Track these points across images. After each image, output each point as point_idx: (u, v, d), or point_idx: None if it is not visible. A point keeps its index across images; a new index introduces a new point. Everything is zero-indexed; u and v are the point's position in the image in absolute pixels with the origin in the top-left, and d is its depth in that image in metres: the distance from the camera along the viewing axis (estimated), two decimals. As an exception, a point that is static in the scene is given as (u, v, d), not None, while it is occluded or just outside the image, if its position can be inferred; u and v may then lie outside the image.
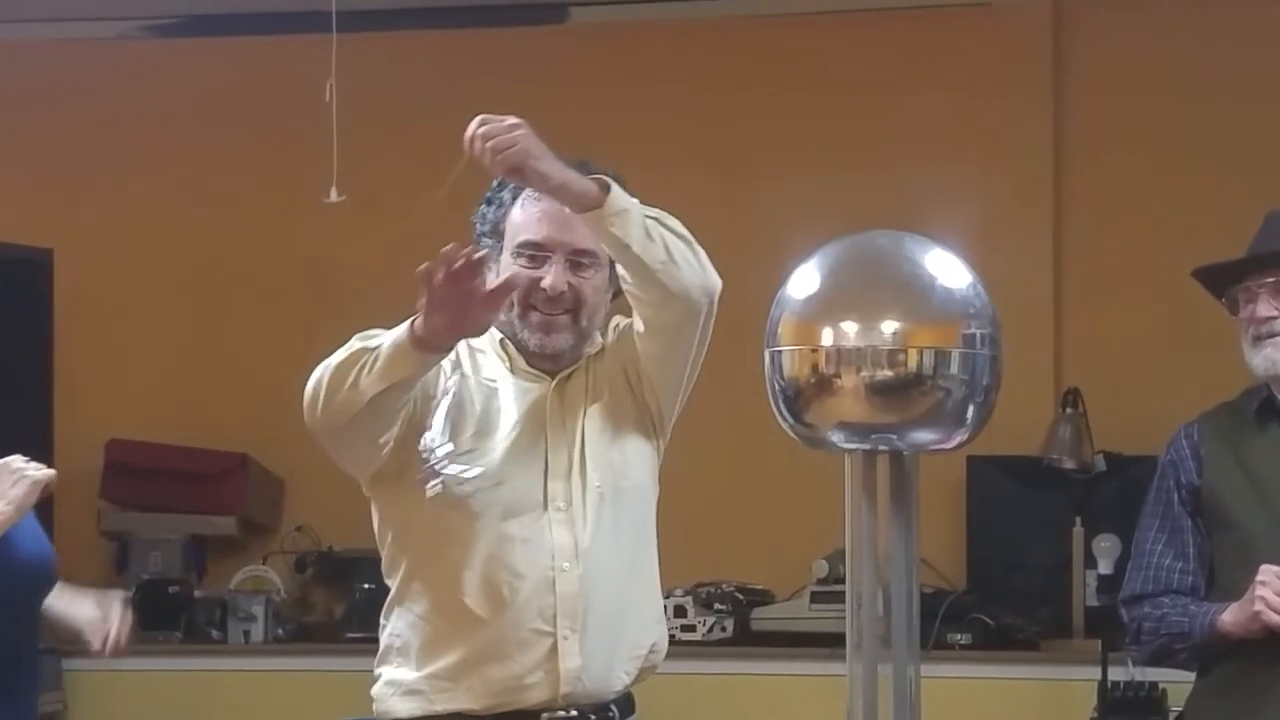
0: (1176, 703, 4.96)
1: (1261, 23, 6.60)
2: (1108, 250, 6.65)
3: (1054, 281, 6.66)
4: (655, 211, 3.36)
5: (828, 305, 2.72)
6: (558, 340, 3.43)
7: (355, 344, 3.28)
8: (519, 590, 3.34)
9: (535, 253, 3.43)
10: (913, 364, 2.67)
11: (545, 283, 3.40)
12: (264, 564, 6.86)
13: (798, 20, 6.87)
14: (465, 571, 3.32)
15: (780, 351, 2.74)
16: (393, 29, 6.89)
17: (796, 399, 2.74)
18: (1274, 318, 4.02)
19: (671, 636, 5.94)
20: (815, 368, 2.70)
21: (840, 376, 2.68)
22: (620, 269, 3.35)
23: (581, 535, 3.40)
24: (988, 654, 6.19)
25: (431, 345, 3.18)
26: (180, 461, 6.88)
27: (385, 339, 3.22)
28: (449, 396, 3.38)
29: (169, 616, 6.64)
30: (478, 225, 3.54)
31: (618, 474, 3.48)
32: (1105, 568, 5.90)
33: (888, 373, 2.66)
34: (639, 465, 3.55)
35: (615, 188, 3.34)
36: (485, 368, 3.44)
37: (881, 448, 2.73)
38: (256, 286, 7.01)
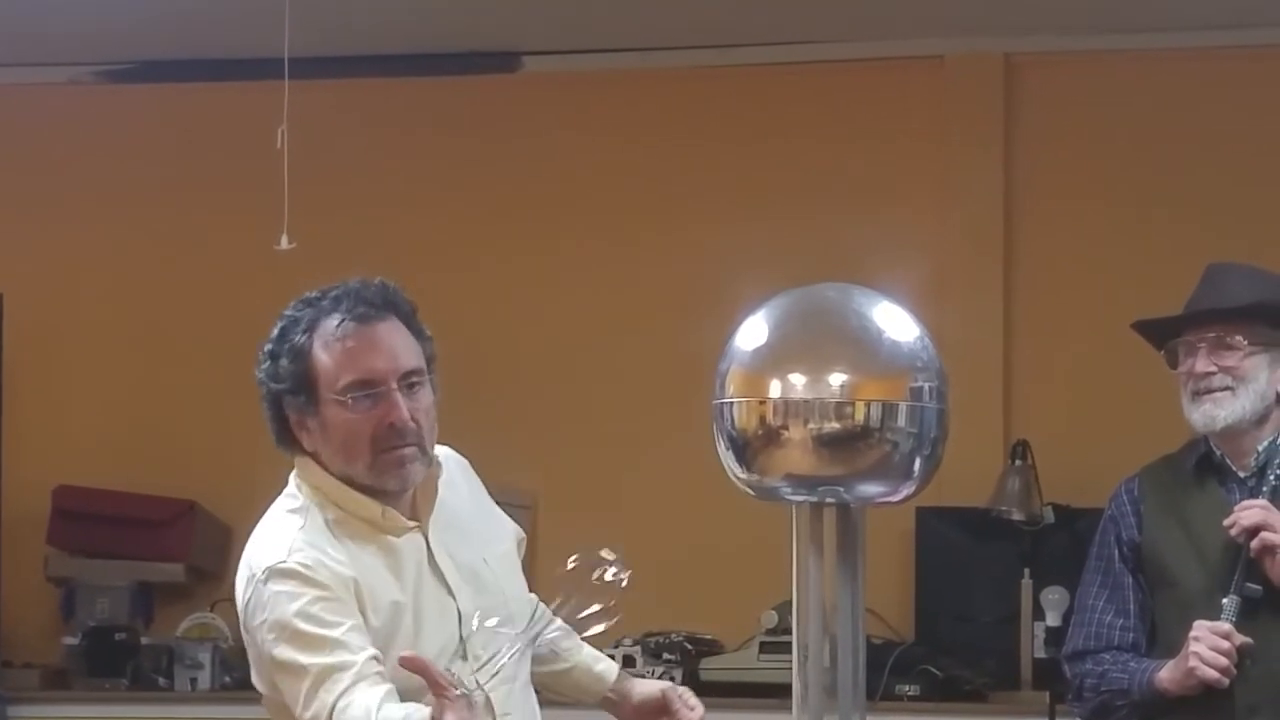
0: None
1: (1209, 76, 6.66)
2: (1057, 302, 6.68)
3: (1004, 333, 6.69)
4: None
5: (776, 357, 2.73)
6: (413, 472, 3.27)
7: None
8: None
9: (369, 390, 3.22)
10: (860, 416, 2.68)
11: (395, 420, 3.21)
12: (211, 611, 6.82)
13: (751, 71, 6.91)
14: None
15: (728, 403, 2.75)
16: (345, 77, 6.90)
17: (744, 450, 2.75)
18: (1212, 373, 4.05)
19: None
20: (763, 419, 2.71)
21: (788, 428, 2.69)
22: None
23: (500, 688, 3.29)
24: (936, 705, 6.19)
25: None
26: (128, 508, 6.85)
27: None
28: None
29: (116, 664, 6.61)
30: (271, 384, 3.27)
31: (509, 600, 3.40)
32: (1053, 620, 5.92)
33: (835, 425, 2.67)
34: (518, 580, 3.48)
35: None
36: (359, 556, 3.24)
37: (829, 500, 2.74)
38: (207, 334, 6.99)
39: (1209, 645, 3.91)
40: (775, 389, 2.69)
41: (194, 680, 6.59)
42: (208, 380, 6.95)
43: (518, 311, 6.89)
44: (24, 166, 7.17)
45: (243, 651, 6.71)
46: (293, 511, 3.29)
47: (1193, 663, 3.92)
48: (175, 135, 7.14)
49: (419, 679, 3.18)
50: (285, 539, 3.24)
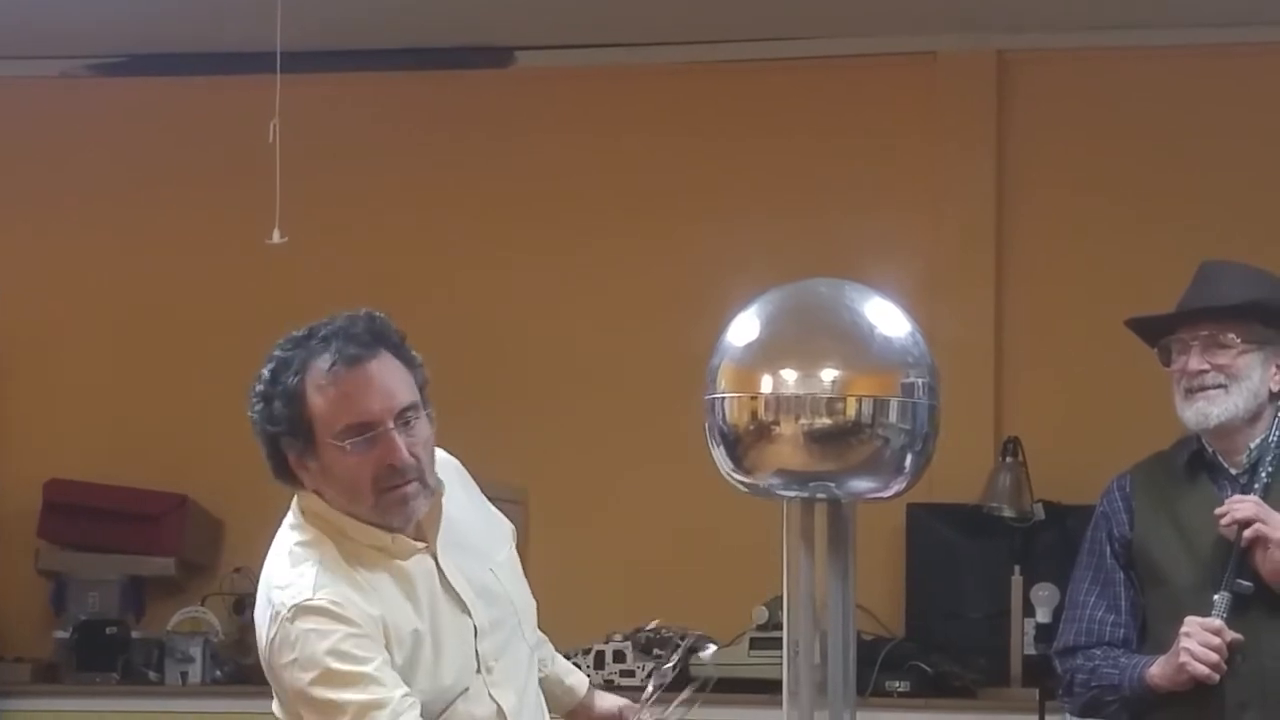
0: (1112, 752, 4.97)
1: (1202, 73, 6.66)
2: (1049, 299, 6.69)
3: (995, 330, 6.69)
4: None
5: (767, 353, 2.73)
6: (417, 508, 3.25)
7: None
8: None
9: (366, 434, 3.19)
10: (851, 412, 2.68)
11: (396, 461, 3.20)
12: (202, 605, 6.82)
13: (743, 67, 6.90)
14: None
15: (720, 398, 2.75)
16: (337, 70, 6.90)
17: (736, 446, 2.75)
18: (1205, 371, 4.05)
19: (610, 681, 5.96)
20: (754, 415, 2.71)
21: (779, 424, 2.69)
22: None
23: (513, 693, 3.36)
24: (926, 701, 6.20)
25: None
26: (119, 502, 6.84)
27: None
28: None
29: (106, 657, 6.61)
30: (267, 428, 3.24)
31: (517, 607, 3.43)
32: (1043, 616, 5.91)
33: (826, 421, 2.67)
34: (521, 583, 3.48)
35: None
36: (378, 589, 3.25)
37: (820, 495, 2.74)
38: (199, 327, 6.99)
39: (1200, 641, 3.91)
40: (767, 384, 2.69)
41: (184, 674, 6.59)
42: (200, 374, 6.94)
43: (510, 306, 6.88)
44: (15, 160, 7.16)
45: (233, 646, 6.78)
46: (305, 545, 3.26)
47: (1183, 658, 3.93)
48: (167, 129, 7.14)
49: (441, 704, 3.23)
50: (308, 575, 3.21)
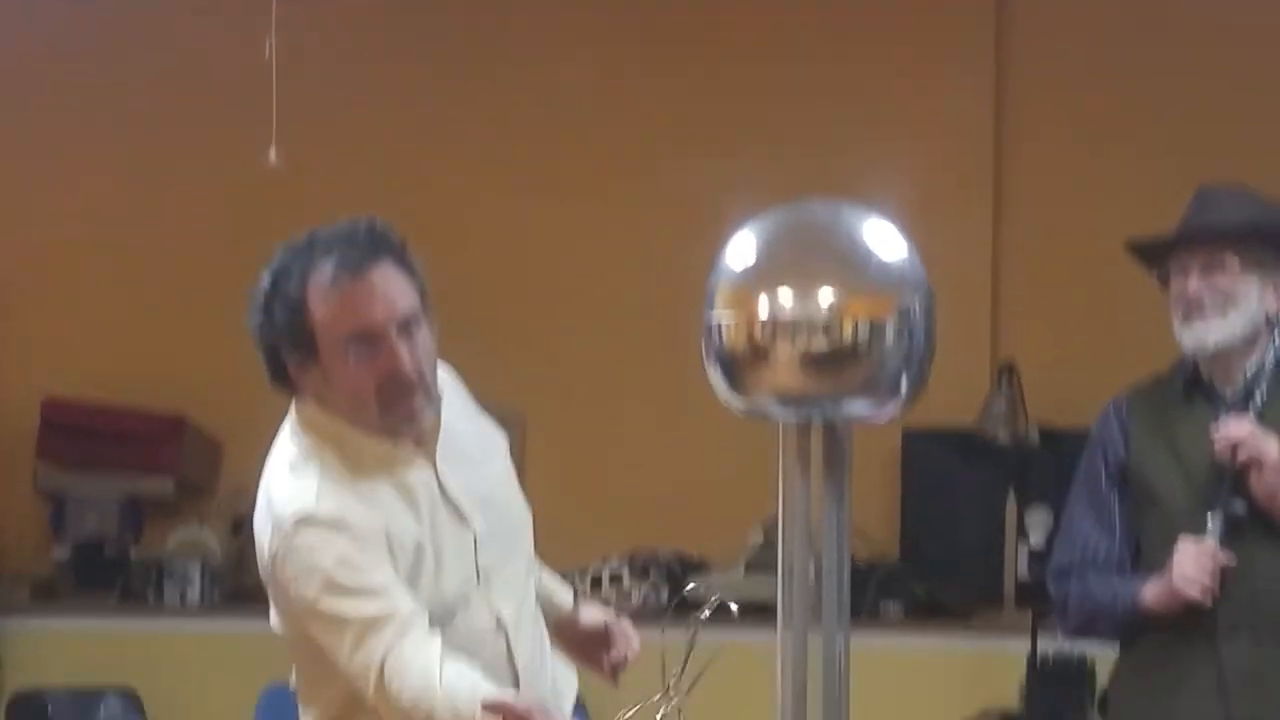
0: (1105, 675, 5.01)
1: (1202, 2, 6.64)
2: (1046, 225, 6.69)
3: (992, 256, 6.70)
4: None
5: (764, 275, 2.73)
6: (423, 420, 3.25)
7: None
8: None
9: (368, 342, 3.18)
10: (848, 335, 2.68)
11: (399, 371, 3.18)
12: (201, 526, 6.85)
13: (742, -8, 6.89)
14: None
15: (716, 320, 2.76)
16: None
17: (732, 369, 2.75)
18: (1203, 294, 4.06)
19: (606, 604, 5.98)
20: (751, 337, 2.71)
21: (775, 347, 2.69)
22: None
23: (512, 603, 3.36)
24: (920, 624, 6.24)
25: None
26: (117, 422, 6.86)
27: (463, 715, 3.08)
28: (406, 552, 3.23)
29: (105, 577, 6.64)
30: (267, 336, 3.22)
31: (515, 517, 3.44)
32: (1037, 540, 5.95)
33: (823, 343, 2.68)
34: (517, 493, 3.49)
35: None
36: (379, 498, 3.24)
37: (815, 418, 2.74)
38: (196, 247, 6.99)
39: (1193, 563, 3.94)
40: (763, 306, 2.69)
41: (183, 594, 6.62)
42: (198, 295, 6.95)
43: (508, 228, 6.88)
44: (12, 80, 7.15)
45: (231, 566, 6.79)
46: (306, 456, 3.24)
47: (1176, 581, 3.95)
48: (161, 46, 7.11)
49: (442, 615, 3.21)
50: (309, 486, 3.20)
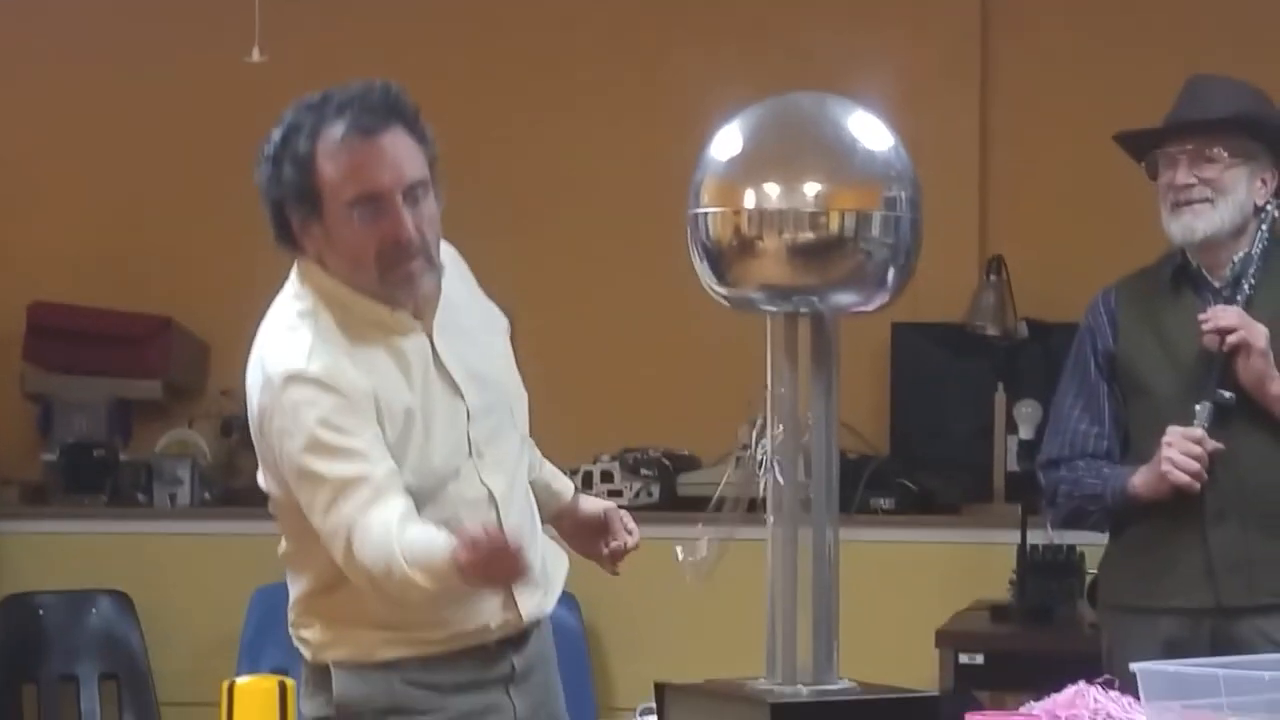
0: (1093, 565, 5.03)
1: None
2: (1034, 117, 6.65)
3: (979, 148, 6.66)
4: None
5: (750, 167, 2.73)
6: (422, 285, 3.26)
7: (398, 563, 3.09)
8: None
9: (373, 205, 3.19)
10: (834, 226, 2.68)
11: (400, 236, 3.20)
12: (190, 428, 6.84)
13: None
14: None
15: (703, 213, 2.75)
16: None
17: (719, 261, 2.75)
18: (1192, 185, 4.06)
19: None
20: (737, 229, 2.71)
21: (762, 238, 2.69)
22: None
23: (503, 478, 3.37)
24: (910, 518, 6.24)
25: None
26: (104, 325, 6.83)
27: (429, 575, 3.08)
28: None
29: (94, 480, 6.63)
30: (273, 191, 3.23)
31: (509, 394, 3.45)
32: (1026, 433, 5.95)
33: (809, 235, 2.67)
34: (513, 373, 3.51)
35: None
36: (372, 362, 3.24)
37: (803, 310, 2.74)
38: (180, 148, 6.94)
39: (1181, 450, 3.96)
40: (750, 199, 2.68)
41: (173, 496, 6.62)
42: (182, 195, 6.91)
43: (492, 124, 6.83)
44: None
45: (221, 468, 6.80)
46: (302, 315, 3.26)
47: (1165, 467, 3.97)
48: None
49: (432, 484, 3.24)
50: (302, 344, 3.22)
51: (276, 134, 3.23)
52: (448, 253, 3.43)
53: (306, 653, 3.37)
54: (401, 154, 3.22)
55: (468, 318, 3.41)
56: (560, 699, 3.54)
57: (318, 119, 3.21)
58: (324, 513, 3.15)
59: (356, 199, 3.18)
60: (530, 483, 3.55)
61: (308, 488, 3.17)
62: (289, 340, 3.23)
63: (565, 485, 3.66)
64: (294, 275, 3.32)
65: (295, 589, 3.38)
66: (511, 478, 3.39)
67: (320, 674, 3.34)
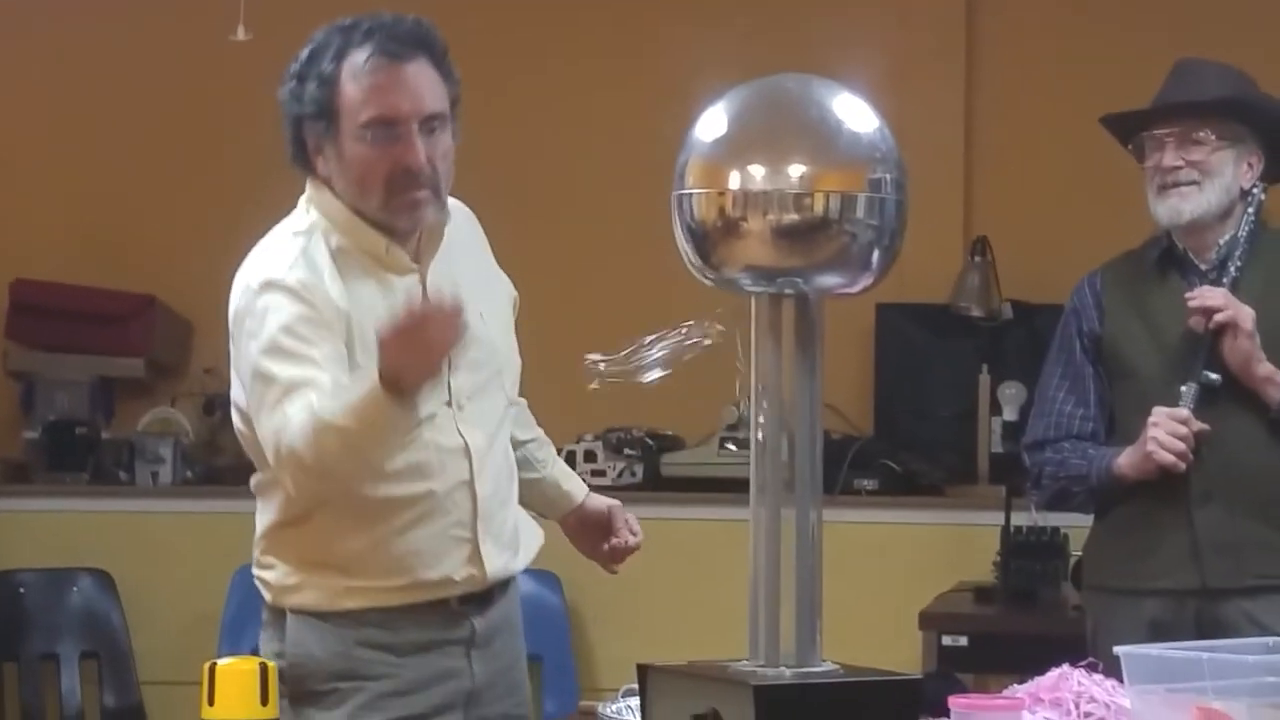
0: (1077, 547, 5.03)
1: None
2: (1019, 99, 6.64)
3: (964, 130, 6.65)
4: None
5: (735, 148, 2.72)
6: (426, 215, 3.29)
7: (306, 414, 3.08)
8: (438, 496, 3.30)
9: (389, 129, 3.23)
10: (819, 208, 2.67)
11: (411, 163, 3.23)
12: (172, 406, 6.83)
13: None
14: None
15: (687, 194, 2.74)
16: None
17: (704, 242, 2.74)
18: (1179, 167, 4.07)
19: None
20: (722, 211, 2.70)
21: (747, 219, 2.69)
22: None
23: (482, 434, 3.37)
24: (893, 499, 6.24)
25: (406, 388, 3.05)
26: (87, 302, 6.82)
27: (350, 414, 3.05)
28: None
29: (76, 458, 6.62)
30: (294, 107, 3.27)
31: (499, 357, 3.46)
32: (1010, 415, 5.96)
33: (794, 216, 2.67)
34: (509, 339, 3.53)
35: None
36: (357, 291, 3.25)
37: (787, 291, 2.74)
38: (164, 126, 6.92)
39: (1167, 430, 3.97)
40: (734, 180, 2.68)
41: (155, 475, 6.61)
42: (166, 173, 6.90)
43: (476, 104, 6.80)
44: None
45: (203, 446, 6.78)
46: (299, 232, 3.30)
47: (1151, 447, 3.98)
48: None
49: None
50: (288, 255, 3.25)
51: (304, 52, 3.29)
52: (464, 212, 3.48)
53: (267, 595, 3.36)
54: (424, 85, 3.26)
55: (470, 275, 3.42)
56: (523, 669, 3.53)
57: (345, 41, 3.27)
58: (269, 412, 3.15)
59: (372, 121, 3.22)
60: (539, 480, 3.56)
61: (259, 388, 3.18)
62: (276, 251, 3.28)
63: (577, 487, 3.67)
64: (303, 196, 3.35)
65: (262, 521, 3.37)
66: (491, 438, 3.40)
67: (277, 618, 3.34)
